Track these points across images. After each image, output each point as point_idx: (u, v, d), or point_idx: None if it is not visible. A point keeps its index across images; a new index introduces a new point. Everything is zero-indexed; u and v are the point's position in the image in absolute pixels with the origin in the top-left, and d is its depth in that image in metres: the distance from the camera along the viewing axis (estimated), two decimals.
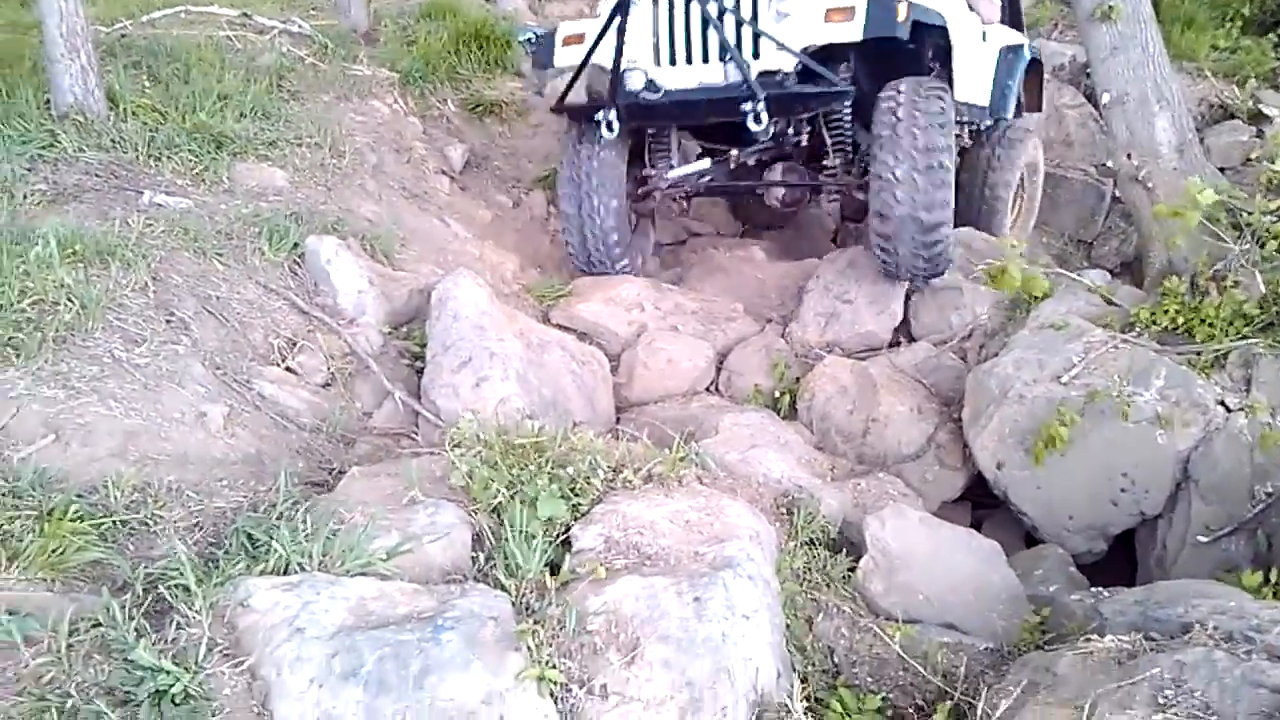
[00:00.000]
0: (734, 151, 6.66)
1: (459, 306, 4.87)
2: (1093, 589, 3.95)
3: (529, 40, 7.09)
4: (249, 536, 3.16)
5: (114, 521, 3.25)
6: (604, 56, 5.85)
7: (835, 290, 6.50)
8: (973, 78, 6.82)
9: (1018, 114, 7.69)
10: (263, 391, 4.41)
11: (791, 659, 3.39)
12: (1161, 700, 2.78)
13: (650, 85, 5.91)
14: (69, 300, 4.08)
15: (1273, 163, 5.81)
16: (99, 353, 4.00)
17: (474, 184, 7.94)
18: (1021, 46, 7.68)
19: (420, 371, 4.88)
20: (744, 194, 7.97)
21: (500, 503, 3.40)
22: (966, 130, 7.20)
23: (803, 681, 3.32)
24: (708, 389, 6.05)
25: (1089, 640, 3.24)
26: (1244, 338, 4.90)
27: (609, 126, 6.00)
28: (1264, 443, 4.39)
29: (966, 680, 3.41)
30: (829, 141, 6.44)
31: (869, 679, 3.54)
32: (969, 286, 6.10)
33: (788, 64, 5.64)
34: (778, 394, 5.83)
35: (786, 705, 3.00)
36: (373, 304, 5.25)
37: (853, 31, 5.41)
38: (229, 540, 3.20)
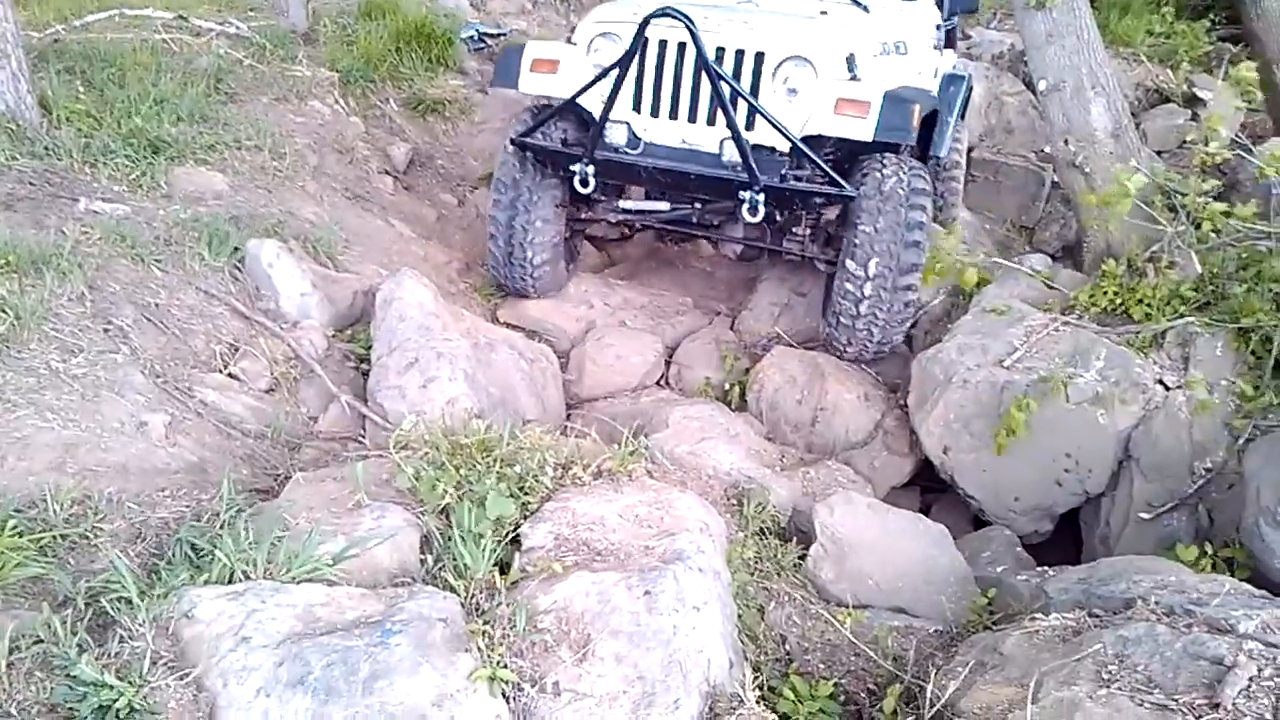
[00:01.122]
0: (697, 204, 5.97)
1: (404, 307, 4.83)
2: (1039, 568, 4.02)
3: (471, 38, 6.98)
4: (192, 546, 3.12)
5: (53, 536, 3.18)
6: (589, 102, 5.35)
7: (791, 282, 6.56)
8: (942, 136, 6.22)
9: None
10: (205, 399, 4.35)
11: (744, 648, 3.41)
12: (1105, 675, 2.83)
13: (632, 140, 5.41)
14: (3, 311, 3.99)
15: (1206, 145, 5.92)
16: (35, 364, 3.92)
17: (418, 183, 7.88)
18: (963, 77, 7.04)
19: (366, 374, 4.84)
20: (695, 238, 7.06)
21: (448, 503, 3.38)
22: None
23: (755, 671, 3.34)
24: (657, 383, 6.07)
25: (1035, 619, 3.30)
26: (1180, 317, 5.00)
27: (584, 181, 5.50)
28: (1200, 409, 4.48)
29: (916, 663, 3.45)
30: (802, 208, 5.77)
31: (821, 665, 3.57)
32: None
33: (784, 142, 5.10)
34: (727, 386, 5.86)
35: (739, 695, 3.01)
36: (316, 307, 5.20)
37: (863, 131, 4.87)
38: (171, 551, 3.15)
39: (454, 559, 3.13)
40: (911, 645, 3.54)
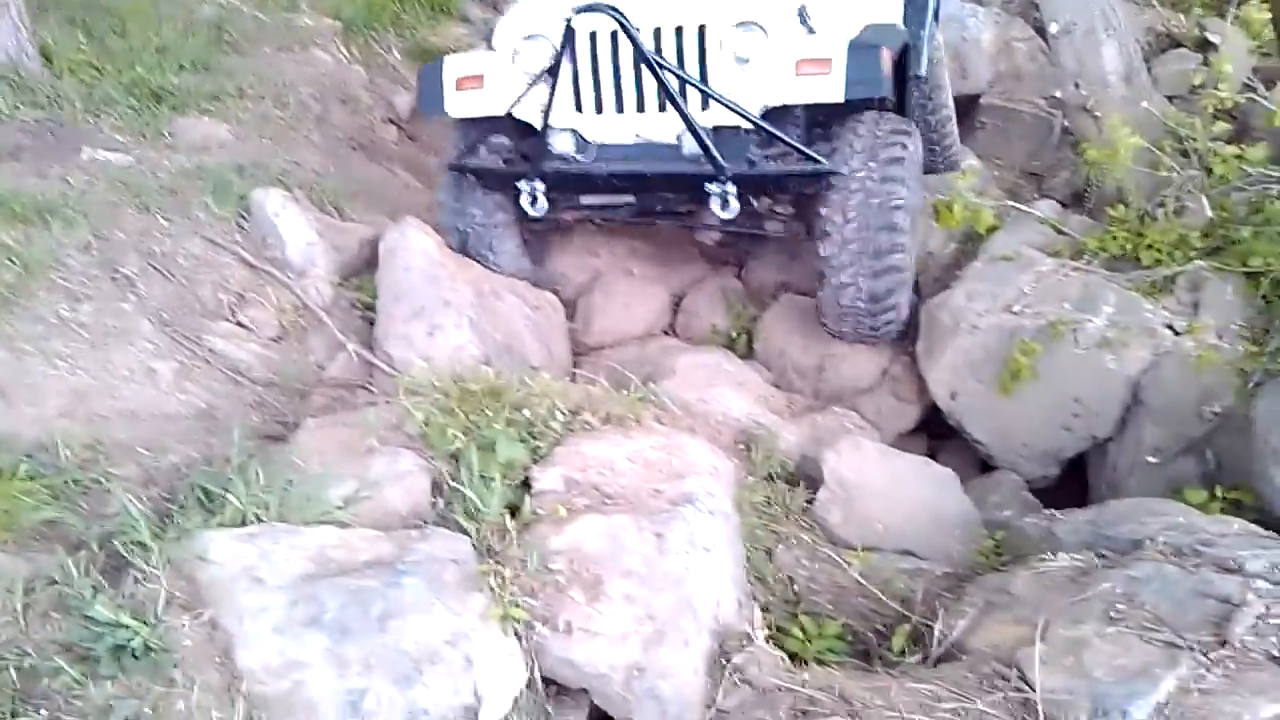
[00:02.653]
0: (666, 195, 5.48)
1: (409, 256, 4.81)
2: (1046, 511, 4.03)
3: None
4: (204, 490, 3.13)
5: (66, 480, 3.21)
6: (526, 112, 4.81)
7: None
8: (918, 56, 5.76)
9: None
10: (213, 347, 4.35)
11: (752, 590, 3.43)
12: (1114, 614, 2.85)
13: (580, 144, 4.88)
14: (10, 261, 4.00)
15: (1217, 89, 5.85)
16: (43, 312, 3.93)
17: (422, 133, 7.81)
18: None
19: (373, 322, 4.84)
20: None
21: (458, 448, 3.38)
22: None
23: (764, 611, 3.37)
24: (664, 331, 6.05)
25: (1043, 560, 3.32)
26: (1190, 261, 4.97)
27: (534, 201, 4.96)
28: (1200, 363, 4.47)
29: (924, 603, 3.47)
30: (780, 193, 5.30)
31: (829, 606, 3.60)
32: (922, 221, 6.12)
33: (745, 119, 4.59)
34: (734, 333, 5.85)
35: (748, 634, 3.04)
36: (322, 256, 5.17)
37: (831, 91, 4.39)
38: (184, 495, 3.17)
39: (464, 502, 3.15)
40: (919, 587, 3.56)
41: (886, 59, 4.45)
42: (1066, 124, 7.76)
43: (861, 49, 4.43)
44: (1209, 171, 5.40)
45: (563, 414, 3.68)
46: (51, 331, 3.85)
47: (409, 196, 6.62)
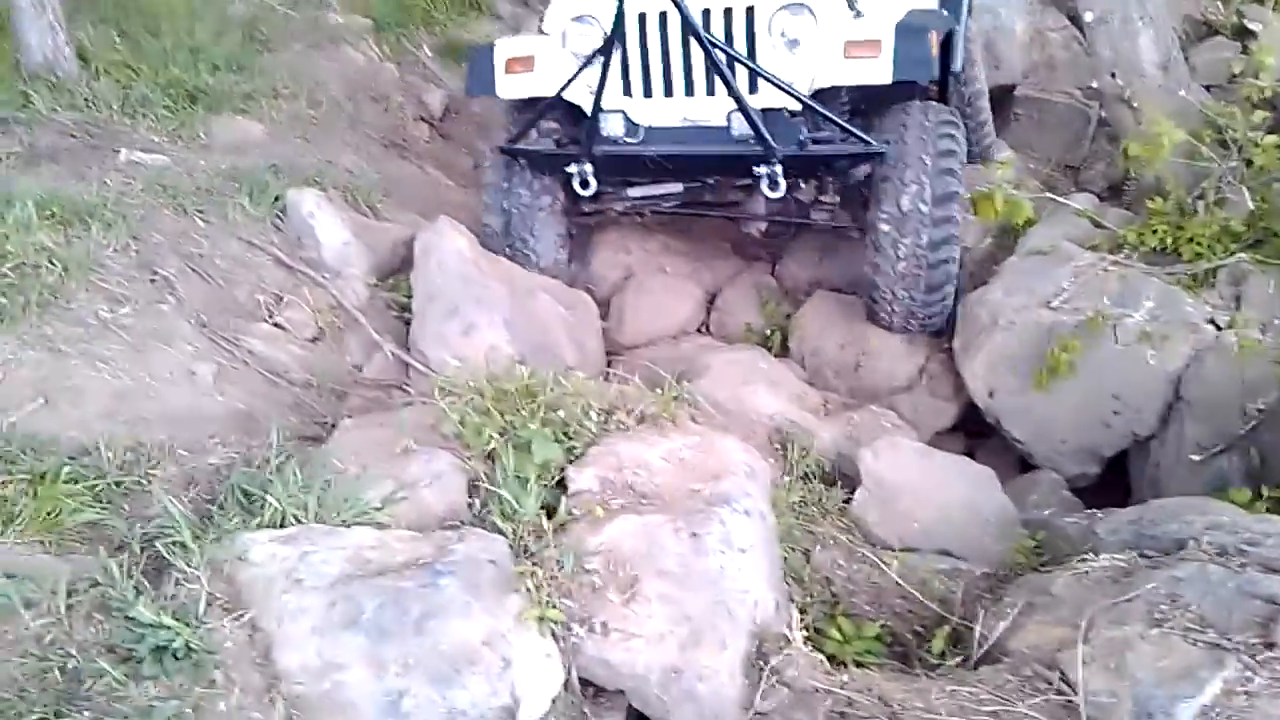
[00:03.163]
0: (711, 180, 5.55)
1: (443, 256, 4.82)
2: (1087, 510, 3.98)
3: None
4: (243, 492, 3.16)
5: (108, 482, 3.24)
6: (576, 94, 4.80)
7: None
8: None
9: None
10: (251, 348, 4.38)
11: (789, 591, 3.41)
12: (1157, 615, 2.81)
13: (630, 128, 4.92)
14: (50, 263, 4.04)
15: (1256, 78, 5.75)
16: (84, 315, 3.97)
17: (454, 130, 7.85)
18: None
19: (408, 322, 4.86)
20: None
21: (494, 448, 3.39)
22: None
23: (801, 612, 3.35)
24: (698, 329, 6.04)
25: (1084, 560, 3.27)
26: (1231, 255, 4.89)
27: (584, 183, 5.00)
28: (1243, 353, 4.40)
29: (964, 604, 3.44)
30: (828, 175, 5.34)
31: (867, 607, 3.57)
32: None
33: (793, 100, 4.62)
34: (768, 331, 5.83)
35: (786, 635, 3.02)
36: (357, 256, 5.21)
37: (880, 73, 4.44)
38: (223, 496, 3.19)
39: (501, 502, 3.15)
40: (959, 587, 3.52)
41: (934, 42, 4.50)
42: (1103, 115, 7.66)
43: (910, 31, 4.49)
44: (1249, 163, 5.32)
45: (597, 414, 3.67)
46: (92, 333, 3.89)
47: (442, 195, 6.65)
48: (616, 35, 4.48)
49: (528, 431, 3.40)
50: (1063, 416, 4.78)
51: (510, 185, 5.36)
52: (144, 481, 3.31)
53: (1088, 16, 6.04)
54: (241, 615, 2.62)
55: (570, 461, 3.43)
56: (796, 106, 4.67)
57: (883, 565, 3.61)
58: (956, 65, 5.66)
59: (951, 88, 5.76)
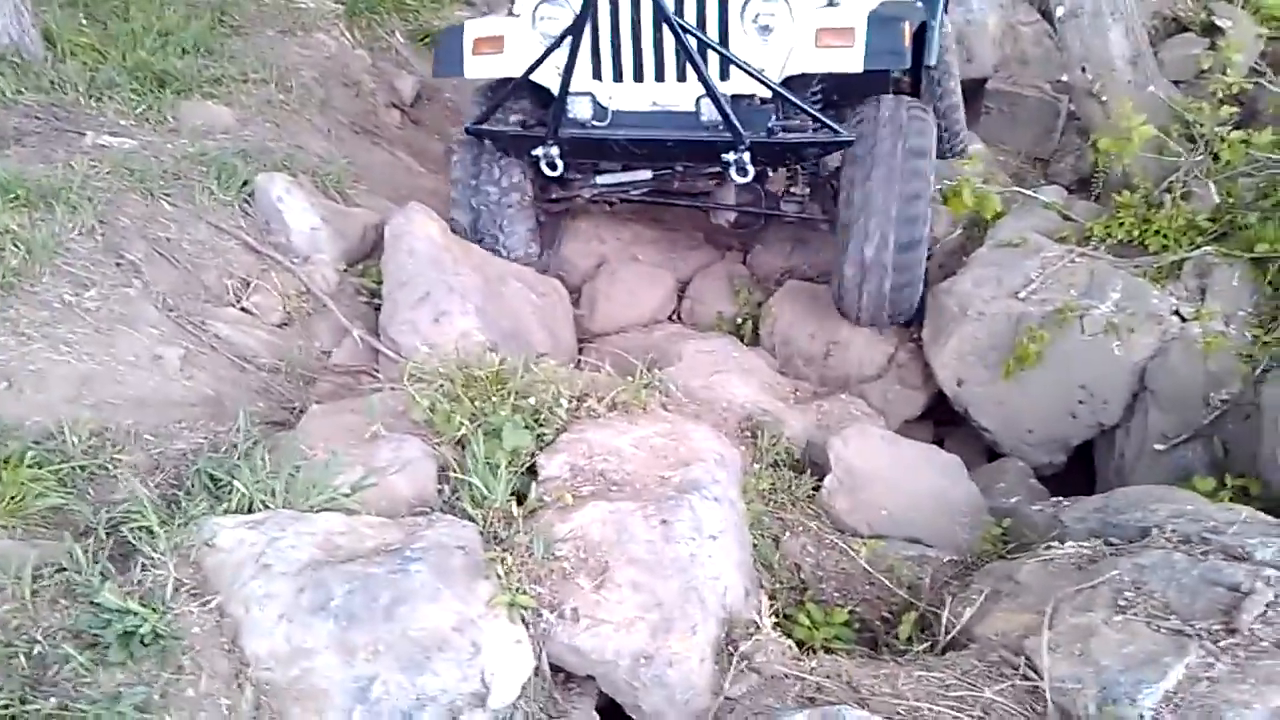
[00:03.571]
0: (679, 168, 5.47)
1: (413, 241, 4.79)
2: (1053, 499, 4.02)
3: None
4: (210, 477, 3.14)
5: (72, 467, 3.20)
6: (546, 77, 4.74)
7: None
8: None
9: None
10: (219, 333, 4.34)
11: (759, 577, 3.43)
12: (1122, 602, 2.85)
13: (598, 111, 4.86)
14: (14, 245, 3.98)
15: (1224, 74, 5.81)
16: (48, 298, 3.92)
17: (426, 116, 7.79)
18: None
19: (378, 308, 4.82)
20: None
21: (464, 435, 3.39)
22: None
23: (771, 599, 3.37)
24: (670, 317, 6.04)
25: (1050, 548, 3.32)
26: (1197, 247, 4.95)
27: (551, 165, 4.94)
28: (1208, 348, 4.46)
29: (931, 591, 3.47)
30: (797, 163, 5.32)
31: (836, 594, 3.59)
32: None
33: (764, 88, 4.61)
34: (740, 320, 5.84)
35: (755, 621, 3.04)
36: (327, 241, 5.17)
37: (851, 61, 4.42)
38: (190, 481, 3.17)
39: (471, 489, 3.14)
40: (926, 574, 3.56)
41: (907, 32, 4.49)
42: (1073, 109, 7.72)
43: (883, 21, 4.49)
44: (1216, 157, 5.37)
45: (568, 401, 3.67)
46: (57, 317, 3.84)
47: (413, 181, 6.60)
48: (585, 16, 4.43)
49: (498, 418, 3.40)
50: (1030, 406, 4.83)
51: (478, 181, 5.32)
52: (110, 466, 3.28)
53: (1059, 11, 6.08)
54: (209, 601, 2.60)
55: (541, 448, 3.44)
56: (767, 94, 4.66)
57: (851, 552, 3.64)
58: (931, 59, 5.69)
59: (925, 82, 5.78)
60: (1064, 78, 7.78)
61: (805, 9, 4.60)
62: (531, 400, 3.58)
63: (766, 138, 4.69)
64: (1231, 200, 5.08)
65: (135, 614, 2.45)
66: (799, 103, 4.60)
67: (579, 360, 5.03)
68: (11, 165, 4.55)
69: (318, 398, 4.24)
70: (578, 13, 4.44)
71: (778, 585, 3.56)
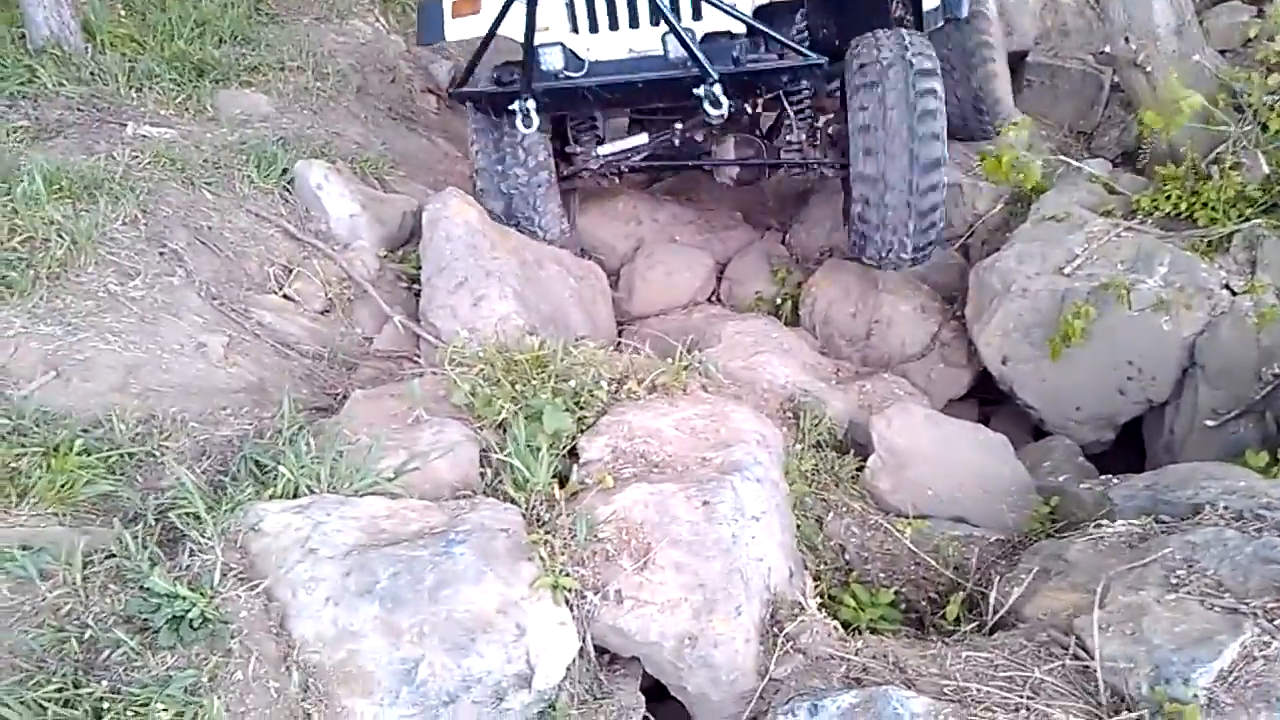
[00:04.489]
0: (677, 125, 5.46)
1: (451, 226, 4.80)
2: (1102, 477, 3.96)
3: None
4: (255, 462, 3.16)
5: (120, 454, 3.24)
6: (512, 29, 4.62)
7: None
8: None
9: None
10: (261, 320, 4.38)
11: (803, 558, 3.42)
12: (1174, 580, 2.80)
13: (573, 62, 4.83)
14: (59, 236, 4.04)
15: (1272, 41, 5.67)
16: (93, 288, 3.97)
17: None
18: None
19: (418, 294, 4.84)
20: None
21: (505, 418, 3.39)
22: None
23: (815, 580, 3.36)
24: (709, 299, 6.02)
25: (1100, 526, 3.27)
26: (1246, 220, 4.84)
27: (526, 119, 4.82)
28: (1263, 320, 4.36)
29: (978, 571, 3.44)
30: (790, 111, 5.32)
31: (881, 574, 3.57)
32: (969, 183, 6.01)
33: (738, 23, 4.61)
34: (779, 300, 5.80)
35: (800, 602, 3.02)
36: (366, 228, 5.19)
37: None
38: (236, 467, 3.19)
39: (513, 472, 3.15)
40: (973, 554, 3.52)
41: None
42: (1116, 80, 7.57)
43: None
44: (1264, 127, 5.24)
45: (608, 383, 3.67)
46: (102, 306, 3.89)
47: (449, 166, 6.61)
48: None
49: (539, 401, 3.40)
50: (1077, 383, 4.75)
51: (504, 166, 5.32)
52: (156, 453, 3.32)
53: None
54: (256, 585, 2.62)
55: (581, 431, 3.44)
56: (742, 30, 4.65)
57: (896, 532, 3.61)
58: (962, 11, 5.54)
59: (943, 28, 5.68)
60: (1107, 49, 7.60)
61: None
62: (571, 383, 3.58)
63: (734, 68, 4.63)
64: None
65: (184, 599, 2.48)
66: (769, 31, 4.57)
67: (618, 343, 5.01)
68: (55, 156, 4.61)
69: (360, 383, 4.26)
70: None
71: (822, 566, 3.54)
